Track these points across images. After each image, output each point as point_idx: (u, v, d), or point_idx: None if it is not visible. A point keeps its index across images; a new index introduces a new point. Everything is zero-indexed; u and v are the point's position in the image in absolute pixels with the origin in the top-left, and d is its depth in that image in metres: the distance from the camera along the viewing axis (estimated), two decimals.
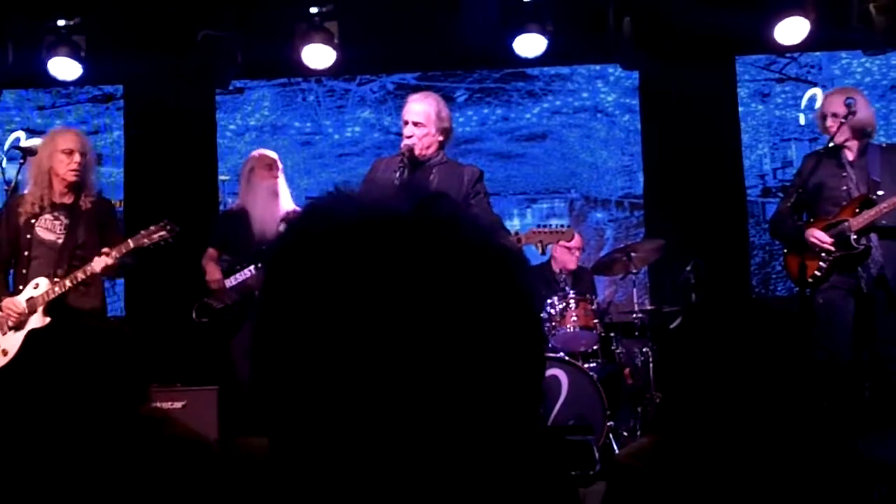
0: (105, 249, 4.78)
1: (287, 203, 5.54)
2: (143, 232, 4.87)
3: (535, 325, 0.83)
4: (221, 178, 7.80)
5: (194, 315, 5.47)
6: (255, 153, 5.76)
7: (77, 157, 4.89)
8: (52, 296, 4.80)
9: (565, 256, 6.60)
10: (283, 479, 0.78)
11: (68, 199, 4.95)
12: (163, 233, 4.84)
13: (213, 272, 5.42)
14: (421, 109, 4.66)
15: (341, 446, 0.74)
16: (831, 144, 5.16)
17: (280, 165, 5.63)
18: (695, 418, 1.69)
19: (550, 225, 5.02)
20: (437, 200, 0.82)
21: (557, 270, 6.62)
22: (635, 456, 1.77)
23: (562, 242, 5.45)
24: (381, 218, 0.79)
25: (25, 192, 4.95)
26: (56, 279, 4.81)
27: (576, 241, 6.42)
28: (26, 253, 4.89)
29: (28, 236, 4.89)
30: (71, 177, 4.89)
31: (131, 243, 4.82)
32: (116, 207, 5.41)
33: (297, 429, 0.76)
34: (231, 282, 5.38)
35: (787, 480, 1.67)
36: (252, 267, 5.32)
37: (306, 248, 0.78)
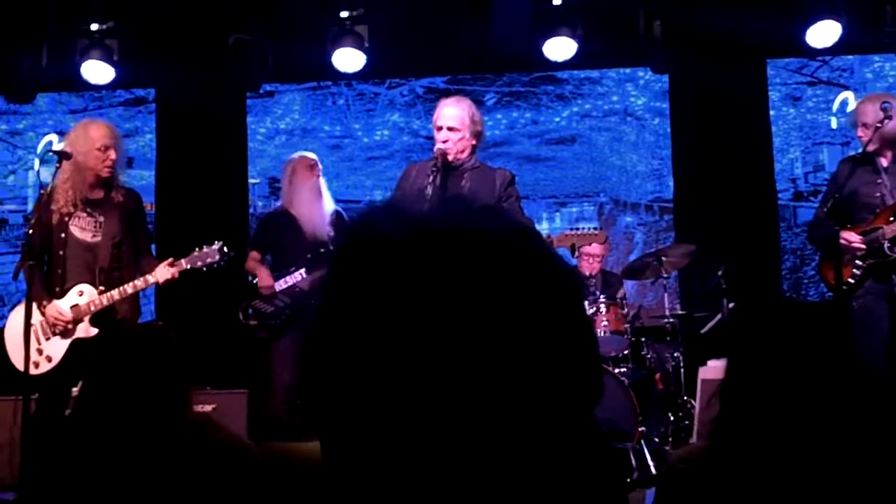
0: (170, 261, 4.76)
1: (329, 203, 5.58)
2: (196, 253, 4.82)
3: (589, 330, 0.84)
4: (251, 181, 7.85)
5: (241, 317, 5.47)
6: (296, 155, 5.82)
7: (112, 154, 4.84)
8: (98, 307, 4.73)
9: (580, 261, 6.53)
10: (333, 481, 0.78)
11: (99, 194, 4.87)
12: (217, 257, 4.80)
13: (265, 278, 5.41)
14: (455, 114, 4.62)
15: (393, 451, 0.74)
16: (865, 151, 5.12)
17: (320, 166, 5.68)
18: (754, 424, 1.68)
19: (581, 228, 5.01)
20: (489, 212, 0.82)
21: (587, 274, 6.58)
22: (687, 460, 1.76)
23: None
24: (443, 231, 0.79)
25: (56, 185, 4.82)
26: (101, 288, 4.74)
27: (595, 248, 6.37)
28: (61, 252, 4.78)
29: (62, 235, 4.78)
30: (106, 173, 4.82)
31: (185, 264, 4.78)
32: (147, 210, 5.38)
33: (351, 433, 0.77)
34: (281, 284, 5.38)
35: (837, 489, 1.66)
36: (303, 270, 5.33)
37: (370, 260, 0.79)
